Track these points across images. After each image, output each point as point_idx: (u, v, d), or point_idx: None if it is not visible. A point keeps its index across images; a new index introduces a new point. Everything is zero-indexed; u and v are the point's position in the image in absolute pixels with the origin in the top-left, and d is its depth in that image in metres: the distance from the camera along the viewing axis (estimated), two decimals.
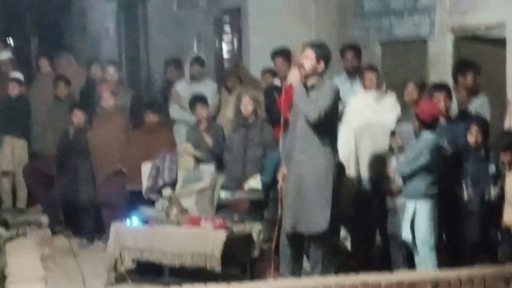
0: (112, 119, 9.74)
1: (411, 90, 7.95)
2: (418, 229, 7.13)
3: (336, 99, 7.16)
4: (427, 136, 7.13)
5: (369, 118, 8.18)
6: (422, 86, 8.03)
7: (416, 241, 7.16)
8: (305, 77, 7.10)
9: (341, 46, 9.47)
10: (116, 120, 9.75)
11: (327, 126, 7.08)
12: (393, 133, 7.70)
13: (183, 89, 10.28)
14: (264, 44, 10.61)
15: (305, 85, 7.10)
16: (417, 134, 7.40)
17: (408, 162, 7.15)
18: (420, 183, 7.13)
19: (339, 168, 7.62)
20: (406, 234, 7.23)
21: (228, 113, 8.93)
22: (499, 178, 7.26)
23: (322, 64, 7.15)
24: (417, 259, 7.28)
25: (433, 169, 7.15)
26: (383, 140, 8.04)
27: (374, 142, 8.13)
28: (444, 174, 7.30)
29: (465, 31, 8.90)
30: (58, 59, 12.34)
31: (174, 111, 10.11)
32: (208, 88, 10.09)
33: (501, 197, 7.17)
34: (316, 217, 7.03)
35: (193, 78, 10.32)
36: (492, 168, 7.32)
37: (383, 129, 8.06)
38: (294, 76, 7.09)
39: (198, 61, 10.48)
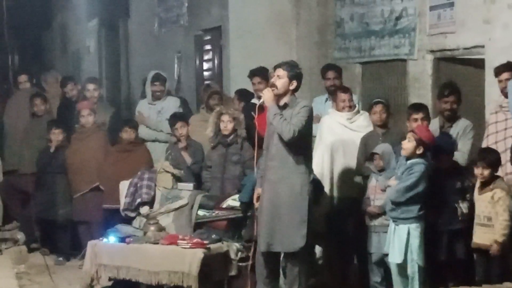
0: (90, 137, 9.73)
1: (379, 111, 8.01)
2: (411, 251, 7.14)
3: (310, 117, 7.18)
4: (421, 163, 7.14)
5: (343, 137, 8.23)
6: (388, 107, 8.10)
7: (408, 263, 7.16)
8: (278, 96, 7.11)
9: (321, 66, 9.53)
10: (95, 137, 9.73)
11: (301, 144, 7.11)
12: (372, 155, 7.71)
13: (145, 108, 10.24)
14: (244, 62, 10.64)
15: (278, 105, 7.12)
16: (397, 156, 7.42)
17: (405, 190, 7.12)
18: (413, 207, 7.14)
19: (317, 186, 7.63)
20: (394, 258, 7.22)
21: (208, 131, 8.91)
22: (466, 194, 7.30)
23: (294, 83, 7.19)
24: (398, 281, 7.28)
25: (425, 194, 7.17)
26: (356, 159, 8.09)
27: (348, 161, 8.17)
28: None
29: (444, 52, 8.95)
30: (45, 76, 12.32)
31: (142, 131, 10.05)
32: (170, 105, 10.06)
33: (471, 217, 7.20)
34: (292, 235, 7.05)
35: (155, 96, 10.23)
36: (458, 185, 7.33)
37: (356, 148, 8.10)
38: (267, 96, 7.11)
39: (158, 78, 10.30)
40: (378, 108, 8.06)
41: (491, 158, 7.03)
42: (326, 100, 9.26)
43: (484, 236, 7.01)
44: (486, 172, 7.01)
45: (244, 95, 9.73)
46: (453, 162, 7.50)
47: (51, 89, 11.70)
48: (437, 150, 7.40)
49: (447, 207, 7.36)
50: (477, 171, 7.05)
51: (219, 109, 8.81)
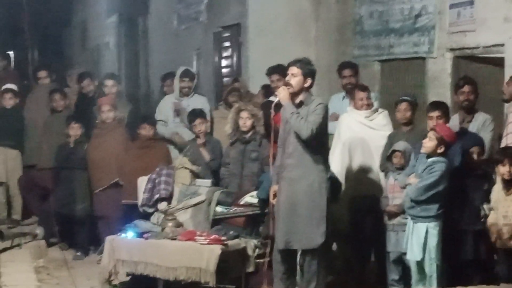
0: (111, 132, 9.75)
1: (404, 109, 7.99)
2: (429, 249, 7.14)
3: (326, 114, 7.16)
4: (443, 162, 7.12)
5: (362, 136, 8.22)
6: (414, 105, 8.07)
7: (426, 261, 7.17)
8: (293, 94, 7.12)
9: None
10: (115, 133, 9.76)
11: (318, 142, 7.10)
12: (393, 152, 7.70)
13: (169, 104, 10.21)
14: (263, 60, 10.65)
15: (294, 103, 7.12)
16: (417, 155, 7.41)
17: (426, 189, 7.11)
18: (433, 206, 7.14)
19: (335, 183, 7.64)
20: (413, 255, 7.23)
21: (226, 128, 8.92)
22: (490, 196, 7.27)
23: (309, 81, 7.18)
24: (416, 279, 7.28)
25: (445, 192, 7.16)
26: (376, 157, 8.08)
27: (367, 159, 8.16)
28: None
29: (464, 50, 8.92)
30: (69, 73, 12.38)
31: (159, 127, 10.07)
32: (196, 102, 10.01)
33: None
34: (311, 232, 7.05)
35: (183, 92, 10.22)
36: (486, 186, 7.31)
37: (375, 147, 8.10)
38: (282, 94, 7.10)
39: (188, 74, 10.28)
40: (402, 106, 8.03)
41: None
42: (343, 98, 9.26)
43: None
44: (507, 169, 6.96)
45: (270, 90, 9.71)
46: (483, 161, 7.46)
47: (75, 85, 11.76)
48: (464, 148, 7.38)
49: (471, 207, 7.34)
50: (503, 169, 6.96)
51: (238, 105, 8.81)
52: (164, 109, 10.20)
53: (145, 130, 9.48)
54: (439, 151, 7.14)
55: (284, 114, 7.17)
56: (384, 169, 8.02)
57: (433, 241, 7.13)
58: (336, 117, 8.71)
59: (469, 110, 7.87)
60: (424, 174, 7.17)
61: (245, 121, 8.57)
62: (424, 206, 7.15)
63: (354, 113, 8.39)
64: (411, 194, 7.22)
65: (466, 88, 7.85)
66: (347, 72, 9.26)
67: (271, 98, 9.20)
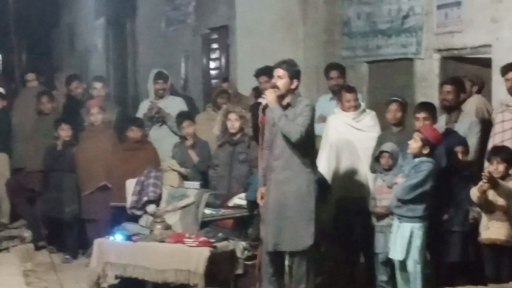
0: (99, 135, 9.73)
1: (394, 110, 8.00)
2: (413, 250, 7.15)
3: (313, 116, 7.17)
4: (429, 162, 7.14)
5: (349, 137, 8.22)
6: (405, 106, 8.08)
7: (409, 261, 7.18)
8: (280, 97, 7.11)
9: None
10: (104, 135, 9.74)
11: (306, 144, 7.10)
12: (380, 153, 7.71)
13: (145, 107, 10.18)
14: (251, 61, 10.65)
15: (281, 105, 7.11)
16: (405, 156, 7.42)
17: (411, 188, 7.12)
18: (419, 207, 7.15)
19: (323, 184, 7.64)
20: (395, 254, 7.24)
21: (214, 129, 8.92)
22: None
23: (295, 82, 7.18)
24: (399, 279, 7.29)
25: (431, 193, 7.17)
26: (363, 159, 8.08)
27: (355, 161, 8.16)
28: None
29: (451, 51, 8.94)
30: (58, 75, 12.36)
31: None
32: (173, 104, 10.01)
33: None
34: (300, 234, 7.06)
35: (158, 94, 10.18)
36: (473, 187, 7.32)
37: (363, 148, 8.10)
38: (270, 97, 7.09)
39: (161, 76, 10.24)
40: (393, 106, 8.02)
41: (506, 154, 7.01)
42: (331, 99, 9.27)
43: (499, 231, 6.98)
44: (502, 167, 6.96)
45: (261, 92, 9.71)
46: (468, 162, 7.48)
47: (63, 88, 11.73)
48: (450, 148, 7.41)
49: (458, 208, 7.35)
50: (492, 167, 6.99)
51: (227, 107, 8.81)
52: (141, 113, 10.15)
53: (133, 133, 9.45)
54: (424, 152, 7.16)
55: (270, 116, 7.15)
56: (373, 170, 8.02)
57: (417, 242, 7.14)
58: (323, 119, 8.71)
59: (449, 109, 7.89)
60: (410, 173, 7.18)
61: (234, 123, 8.57)
62: (410, 206, 7.16)
63: (341, 114, 8.39)
64: (397, 193, 7.24)
65: (445, 88, 7.91)
66: (334, 73, 9.28)
67: (260, 100, 9.21)
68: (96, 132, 9.75)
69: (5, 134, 10.92)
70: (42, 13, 19.35)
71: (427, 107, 7.79)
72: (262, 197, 7.28)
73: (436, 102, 8.51)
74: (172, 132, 9.81)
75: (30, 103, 10.88)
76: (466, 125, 7.80)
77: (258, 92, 9.82)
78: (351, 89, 8.45)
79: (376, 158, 7.76)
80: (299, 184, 7.08)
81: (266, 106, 7.20)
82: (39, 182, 9.82)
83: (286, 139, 7.03)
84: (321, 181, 7.56)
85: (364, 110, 8.40)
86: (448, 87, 7.91)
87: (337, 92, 8.97)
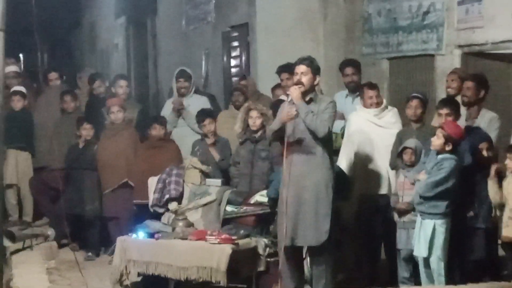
0: (120, 133, 9.78)
1: (415, 106, 7.98)
2: (436, 247, 7.15)
3: (334, 111, 7.21)
4: (452, 159, 7.13)
5: (371, 134, 8.21)
6: (425, 103, 8.06)
7: (432, 258, 7.18)
8: (304, 93, 7.14)
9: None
10: (124, 134, 9.78)
11: (326, 140, 7.14)
12: (403, 149, 7.70)
13: (169, 106, 10.21)
14: (272, 59, 10.65)
15: (304, 101, 7.15)
16: (428, 152, 7.41)
17: (434, 185, 7.12)
18: (441, 203, 7.14)
19: (344, 179, 7.65)
20: (420, 251, 7.24)
21: (236, 127, 8.93)
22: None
23: (317, 78, 7.26)
24: (423, 276, 7.29)
25: (454, 189, 7.16)
26: (385, 156, 8.07)
27: (376, 158, 8.16)
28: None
29: (472, 47, 8.91)
30: (80, 75, 12.42)
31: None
32: (197, 102, 10.03)
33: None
34: (316, 229, 7.06)
35: (180, 93, 10.22)
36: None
37: (385, 145, 8.09)
38: (295, 94, 7.12)
39: (183, 75, 10.26)
40: (414, 103, 8.01)
41: None
42: (347, 96, 9.26)
43: None
44: None
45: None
46: (491, 158, 7.45)
47: (85, 87, 11.81)
48: (474, 144, 7.39)
49: (483, 205, 7.34)
50: (511, 163, 6.99)
51: (248, 104, 8.81)
52: (166, 112, 10.19)
53: (156, 130, 9.50)
54: (447, 148, 7.14)
55: (289, 112, 7.16)
56: (394, 166, 8.01)
57: (440, 238, 7.13)
58: (339, 116, 8.71)
59: (469, 105, 7.86)
60: (433, 170, 7.17)
61: (255, 120, 8.58)
62: (433, 203, 7.15)
63: (363, 111, 8.38)
64: (419, 190, 7.23)
65: (466, 84, 7.91)
66: (349, 70, 9.25)
67: (282, 97, 9.21)
68: (117, 130, 9.80)
69: (27, 133, 10.98)
70: (64, 13, 19.46)
71: (450, 103, 7.77)
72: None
73: (458, 98, 8.49)
74: (191, 129, 9.86)
75: (53, 102, 10.96)
76: (486, 121, 7.78)
77: (277, 89, 9.82)
78: (373, 86, 8.44)
79: (399, 154, 7.75)
80: (317, 179, 7.10)
81: (291, 102, 7.20)
82: (62, 180, 9.86)
83: (313, 134, 7.06)
84: (342, 177, 7.57)
85: (386, 107, 8.39)
86: (468, 84, 7.88)
87: (355, 89, 8.98)
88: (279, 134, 7.31)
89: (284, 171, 7.20)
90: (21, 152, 10.91)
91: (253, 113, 8.58)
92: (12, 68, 11.99)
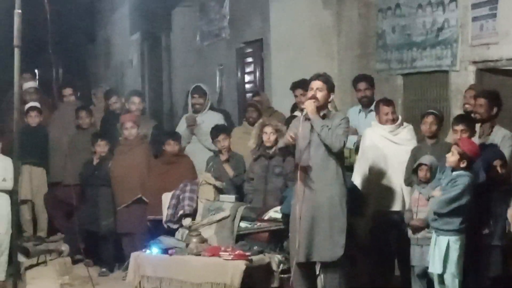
0: (134, 149, 9.79)
1: (430, 122, 7.96)
2: (450, 263, 7.12)
3: (348, 127, 7.25)
4: (466, 175, 7.11)
5: (385, 150, 8.20)
6: (440, 119, 8.04)
7: (447, 275, 7.15)
8: (318, 108, 7.15)
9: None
10: (138, 150, 9.80)
11: (339, 155, 7.18)
12: (419, 165, 7.68)
13: (184, 122, 10.24)
14: (286, 74, 10.67)
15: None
16: (443, 168, 7.38)
17: (448, 202, 7.10)
18: (455, 220, 7.12)
19: (358, 194, 7.64)
20: (434, 268, 7.21)
21: (250, 143, 8.94)
22: None
23: (332, 95, 7.31)
24: None
25: (469, 206, 7.14)
26: (399, 172, 8.06)
27: (391, 174, 8.14)
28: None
29: (487, 63, 8.89)
30: (95, 91, 12.49)
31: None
32: (211, 119, 10.06)
33: None
34: (331, 245, 7.07)
35: (195, 109, 10.25)
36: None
37: (399, 162, 8.08)
38: (310, 108, 7.13)
39: (197, 91, 10.31)
40: (429, 119, 8.00)
41: None
42: (360, 111, 9.27)
43: None
44: None
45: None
46: (506, 175, 7.43)
47: (100, 103, 11.86)
48: (487, 161, 7.36)
49: (497, 222, 7.31)
50: None
51: (262, 120, 8.82)
52: (181, 128, 10.22)
53: (170, 146, 9.52)
54: (462, 165, 7.12)
55: (303, 129, 7.16)
56: (408, 183, 8.00)
57: (454, 255, 7.10)
58: (353, 131, 8.71)
59: (481, 122, 7.85)
60: (447, 187, 7.15)
61: (269, 136, 8.58)
62: (446, 219, 7.13)
63: (378, 127, 8.37)
64: (433, 207, 7.21)
65: (478, 101, 7.88)
66: (362, 85, 9.28)
67: (296, 113, 9.22)
68: (131, 146, 9.81)
69: (42, 149, 11.04)
70: (79, 29, 19.54)
71: (465, 119, 7.76)
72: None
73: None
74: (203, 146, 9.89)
75: (68, 118, 11.00)
76: (499, 139, 7.75)
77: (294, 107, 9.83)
78: (389, 102, 8.44)
79: (414, 170, 7.73)
80: (331, 195, 7.10)
81: (305, 117, 7.20)
82: (76, 196, 9.89)
83: (327, 148, 7.05)
84: (356, 193, 7.56)
85: (401, 124, 8.37)
86: (481, 101, 7.86)
87: (368, 104, 8.99)
88: (286, 151, 7.34)
89: (297, 187, 7.18)
90: (36, 167, 10.97)
91: (268, 129, 8.58)
92: (30, 84, 12.09)
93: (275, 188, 8.50)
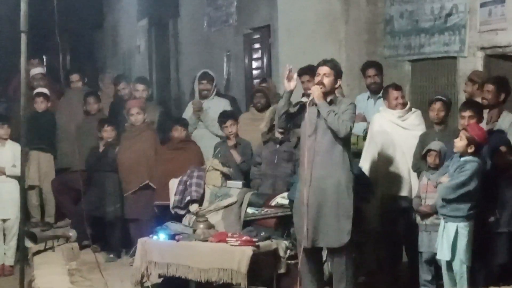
0: (140, 135, 9.80)
1: (438, 109, 7.94)
2: (458, 250, 7.11)
3: (354, 113, 7.22)
4: (474, 161, 7.08)
5: (394, 136, 8.19)
6: (448, 105, 8.02)
7: (455, 261, 7.14)
8: (324, 94, 7.13)
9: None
10: (144, 135, 9.80)
11: (345, 141, 7.15)
12: (428, 151, 7.66)
13: (190, 108, 10.25)
14: (293, 61, 10.52)
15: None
16: (451, 155, 7.37)
17: (455, 187, 7.09)
18: (463, 206, 7.10)
19: (365, 181, 7.62)
20: (443, 255, 7.20)
21: (261, 126, 8.91)
22: None
23: (339, 81, 7.28)
24: (446, 279, 7.24)
25: (477, 192, 7.12)
26: (407, 158, 8.04)
27: (399, 160, 8.13)
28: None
29: (495, 49, 8.85)
30: (102, 77, 12.49)
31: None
32: (218, 105, 10.07)
33: None
34: (337, 231, 7.05)
35: (202, 95, 10.26)
36: None
37: (408, 147, 8.06)
38: (317, 93, 7.11)
39: (205, 77, 10.33)
40: (437, 105, 7.98)
41: None
42: (368, 98, 9.24)
43: None
44: None
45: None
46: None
47: (107, 89, 11.86)
48: (493, 147, 7.34)
49: (505, 208, 7.29)
50: None
51: (275, 105, 8.77)
52: (188, 114, 10.22)
53: (178, 132, 9.53)
54: (469, 150, 7.10)
55: (311, 113, 7.14)
56: (416, 169, 7.98)
57: (462, 241, 7.09)
58: (361, 118, 8.68)
59: (489, 108, 7.83)
60: (455, 173, 7.13)
61: None
62: (455, 206, 7.11)
63: (387, 112, 8.35)
64: (441, 193, 7.20)
65: (486, 87, 7.89)
66: (371, 71, 9.25)
67: (302, 99, 9.19)
68: (137, 132, 9.82)
69: (50, 135, 11.05)
70: (86, 15, 19.53)
71: (473, 105, 7.73)
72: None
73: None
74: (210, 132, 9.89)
75: (75, 104, 11.02)
76: (507, 124, 7.74)
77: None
78: (398, 87, 8.43)
79: (423, 156, 7.72)
80: (338, 181, 7.08)
81: (312, 102, 7.18)
82: (84, 182, 9.89)
83: (334, 134, 7.04)
84: (363, 179, 7.54)
85: (410, 109, 8.35)
86: (489, 87, 7.85)
87: (377, 91, 8.96)
88: (288, 119, 7.26)
89: (304, 172, 7.17)
90: (43, 153, 10.98)
91: None
92: (38, 70, 12.10)
93: (285, 173, 8.49)
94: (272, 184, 8.55)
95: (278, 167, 8.56)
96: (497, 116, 7.85)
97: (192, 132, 9.98)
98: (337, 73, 7.24)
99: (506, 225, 7.33)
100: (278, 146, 8.61)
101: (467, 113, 7.58)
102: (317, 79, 7.25)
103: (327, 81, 7.18)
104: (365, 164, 8.19)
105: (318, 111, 7.09)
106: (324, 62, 7.26)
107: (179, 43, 15.93)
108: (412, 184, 8.07)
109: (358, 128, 8.40)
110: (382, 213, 8.13)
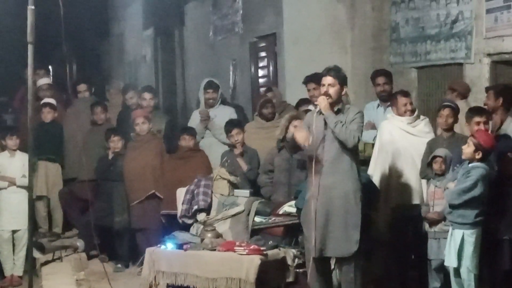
0: (146, 144, 9.79)
1: (447, 115, 7.93)
2: (465, 258, 7.10)
3: (362, 122, 7.19)
4: (481, 167, 7.07)
5: (404, 143, 8.16)
6: (456, 112, 8.01)
7: (462, 268, 7.12)
8: (332, 104, 7.12)
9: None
10: (150, 145, 9.80)
11: (353, 150, 7.12)
12: (434, 158, 7.65)
13: (196, 116, 10.27)
14: (299, 68, 10.65)
15: (332, 111, 7.13)
16: (460, 163, 7.35)
17: (460, 193, 7.08)
18: (469, 213, 7.08)
19: (373, 189, 7.60)
20: (450, 261, 7.19)
21: (277, 133, 8.90)
22: None
23: (344, 88, 7.23)
24: (454, 286, 7.23)
25: (483, 199, 7.10)
26: (418, 165, 8.02)
27: (409, 167, 8.11)
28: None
29: (501, 55, 8.85)
30: (109, 86, 12.49)
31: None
32: (223, 113, 10.08)
33: None
34: (345, 240, 7.03)
35: (208, 104, 10.27)
36: None
37: (418, 154, 8.04)
38: (323, 104, 7.09)
39: (211, 86, 10.34)
40: (445, 112, 7.96)
41: None
42: (378, 106, 9.23)
43: None
44: None
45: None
46: None
47: (113, 99, 11.86)
48: (500, 153, 7.33)
49: (507, 215, 7.27)
50: None
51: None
52: (193, 123, 10.22)
53: (185, 141, 9.53)
54: (477, 157, 7.09)
55: (318, 122, 7.14)
56: (424, 175, 7.97)
57: (468, 249, 7.07)
58: (371, 126, 8.67)
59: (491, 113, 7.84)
60: (462, 178, 7.12)
61: None
62: (461, 212, 7.10)
63: (395, 119, 8.31)
64: (447, 198, 7.19)
65: (487, 94, 7.86)
66: (381, 79, 9.25)
67: (310, 108, 9.18)
68: (142, 142, 9.81)
69: (57, 145, 11.06)
70: (92, 25, 19.59)
71: (480, 111, 7.72)
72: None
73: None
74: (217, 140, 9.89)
75: (82, 114, 11.02)
76: (511, 130, 7.72)
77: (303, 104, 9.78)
78: (407, 94, 8.42)
79: (429, 163, 7.70)
80: (346, 190, 7.07)
81: (319, 112, 7.17)
82: (91, 192, 9.90)
83: (341, 144, 7.03)
84: (371, 188, 7.52)
85: (419, 116, 8.33)
86: (488, 93, 7.86)
87: (386, 99, 8.94)
88: (294, 146, 7.31)
89: (311, 181, 7.16)
90: (51, 163, 10.98)
91: (297, 122, 8.46)
92: (45, 80, 12.12)
93: (299, 181, 8.42)
94: (287, 192, 8.51)
95: (292, 175, 8.54)
96: (500, 122, 7.84)
97: (199, 141, 9.99)
98: (342, 81, 7.20)
99: (510, 232, 7.30)
100: (292, 154, 8.58)
101: (475, 119, 7.58)
102: (322, 89, 7.22)
103: (332, 91, 7.14)
104: (375, 174, 8.16)
105: (325, 121, 7.08)
106: (327, 71, 7.21)
107: (185, 52, 15.97)
108: (423, 191, 8.05)
109: (368, 136, 8.40)
110: (391, 221, 8.11)
